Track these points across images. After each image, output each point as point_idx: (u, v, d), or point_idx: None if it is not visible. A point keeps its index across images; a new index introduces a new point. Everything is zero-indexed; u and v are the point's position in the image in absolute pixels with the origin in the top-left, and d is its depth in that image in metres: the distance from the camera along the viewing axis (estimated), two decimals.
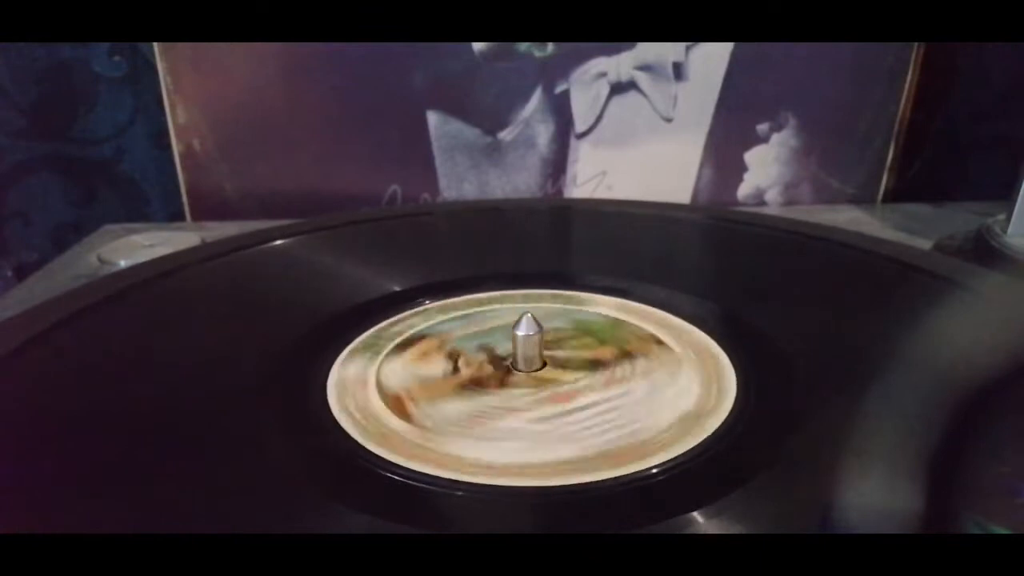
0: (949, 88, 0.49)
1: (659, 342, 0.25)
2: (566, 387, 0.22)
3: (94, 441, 0.19)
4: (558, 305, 0.28)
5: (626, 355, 0.24)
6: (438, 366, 0.24)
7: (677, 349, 0.24)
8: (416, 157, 0.47)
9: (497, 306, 0.28)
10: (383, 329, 0.27)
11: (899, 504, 0.16)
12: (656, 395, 0.22)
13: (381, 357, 0.25)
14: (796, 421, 0.20)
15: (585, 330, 0.26)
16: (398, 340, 0.26)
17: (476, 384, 0.23)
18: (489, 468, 0.19)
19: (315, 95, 0.45)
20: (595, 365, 0.23)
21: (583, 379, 0.22)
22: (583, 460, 0.19)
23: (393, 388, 0.23)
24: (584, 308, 0.28)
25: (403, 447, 0.20)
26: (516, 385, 0.22)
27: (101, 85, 0.47)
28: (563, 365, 0.23)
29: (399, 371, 0.24)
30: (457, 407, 0.21)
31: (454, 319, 0.27)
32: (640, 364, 0.23)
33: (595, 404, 0.21)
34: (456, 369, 0.24)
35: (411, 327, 0.27)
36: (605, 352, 0.24)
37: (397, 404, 0.22)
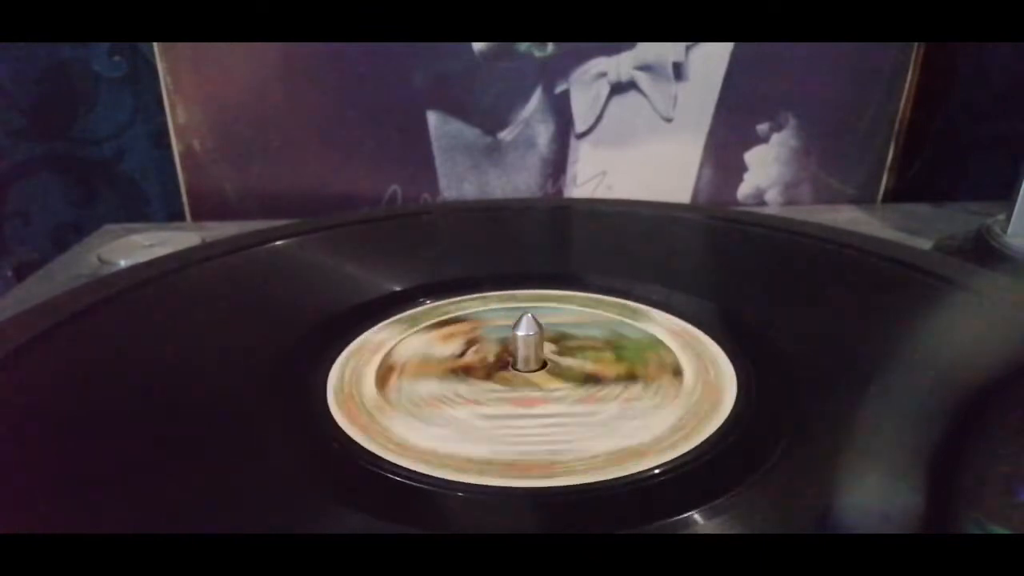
0: (949, 88, 0.49)
1: (677, 373, 0.23)
2: (538, 394, 0.22)
3: (94, 441, 0.19)
4: (610, 314, 0.27)
5: (630, 377, 0.23)
6: (451, 348, 0.25)
7: (688, 385, 0.23)
8: (416, 157, 0.47)
9: (555, 305, 0.28)
10: (436, 307, 0.28)
11: (899, 504, 0.16)
12: (616, 423, 0.21)
13: (413, 330, 0.26)
14: (796, 421, 0.20)
15: (614, 344, 0.25)
16: (440, 318, 0.27)
17: (465, 371, 0.23)
18: (401, 447, 0.19)
19: (315, 95, 0.45)
20: (589, 380, 0.23)
21: (563, 390, 0.22)
22: (486, 463, 0.19)
23: (396, 359, 0.24)
24: (633, 322, 0.27)
25: (355, 412, 0.21)
26: (498, 380, 0.23)
27: (101, 85, 0.47)
28: (559, 372, 0.23)
29: (416, 345, 0.25)
30: (430, 387, 0.22)
31: (504, 310, 0.27)
32: (635, 390, 0.22)
33: (550, 416, 0.21)
34: (462, 354, 0.24)
35: (461, 308, 0.28)
36: (611, 369, 0.23)
37: (386, 374, 0.23)
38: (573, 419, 0.21)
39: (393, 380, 0.23)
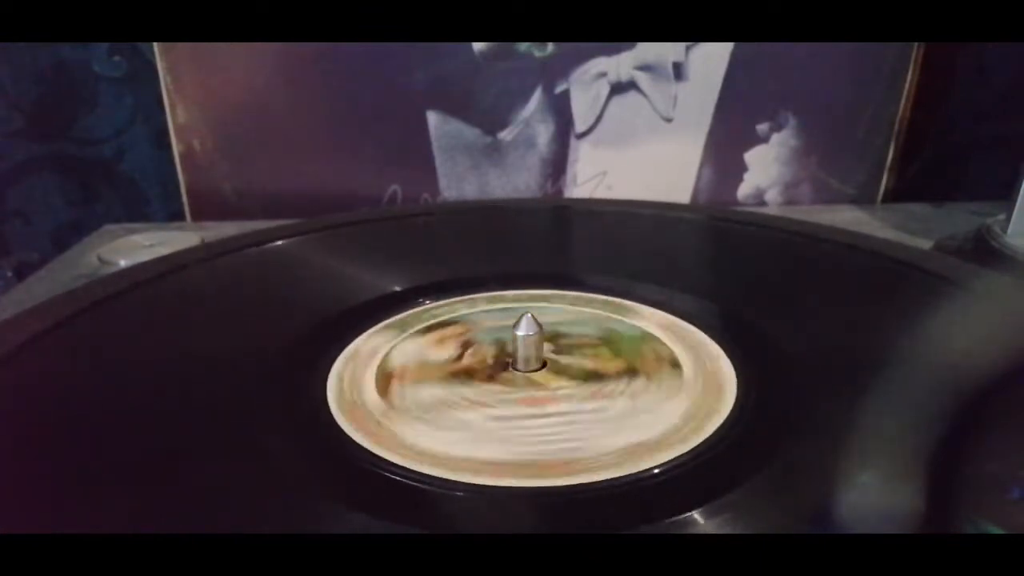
0: (949, 88, 0.49)
1: (675, 365, 0.23)
2: (544, 393, 0.22)
3: (94, 441, 0.19)
4: (599, 311, 0.27)
5: (630, 372, 0.23)
6: (446, 352, 0.24)
7: (689, 376, 0.23)
8: (416, 157, 0.47)
9: (544, 304, 0.28)
10: (423, 311, 0.28)
11: (899, 504, 0.16)
12: (627, 418, 0.21)
13: (404, 336, 0.26)
14: (796, 421, 0.20)
15: (607, 340, 0.25)
16: (429, 322, 0.27)
17: (466, 374, 0.23)
18: (415, 452, 0.19)
19: (315, 95, 0.45)
20: (591, 376, 0.23)
21: (568, 388, 0.22)
22: (505, 464, 0.19)
23: (392, 366, 0.24)
24: (623, 318, 0.27)
25: (363, 421, 0.21)
26: (501, 382, 0.23)
27: (101, 85, 0.47)
28: (561, 371, 0.23)
29: (410, 351, 0.25)
30: (434, 392, 0.22)
31: (495, 311, 0.27)
32: (638, 383, 0.22)
33: (562, 414, 0.21)
34: (459, 358, 0.24)
35: (450, 312, 0.27)
36: (611, 365, 0.23)
37: (385, 381, 0.23)
38: (584, 416, 0.21)
39: (394, 386, 0.23)
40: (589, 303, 0.28)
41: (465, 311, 0.28)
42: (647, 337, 0.25)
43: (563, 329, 0.26)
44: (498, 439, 0.20)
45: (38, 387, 0.22)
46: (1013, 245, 0.34)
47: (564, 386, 0.22)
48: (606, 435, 0.20)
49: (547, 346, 0.24)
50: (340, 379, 0.23)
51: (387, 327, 0.27)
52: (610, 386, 0.22)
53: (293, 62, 0.45)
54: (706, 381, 0.23)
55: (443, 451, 0.19)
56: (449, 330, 0.26)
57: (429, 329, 0.26)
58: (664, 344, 0.25)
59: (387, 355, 0.24)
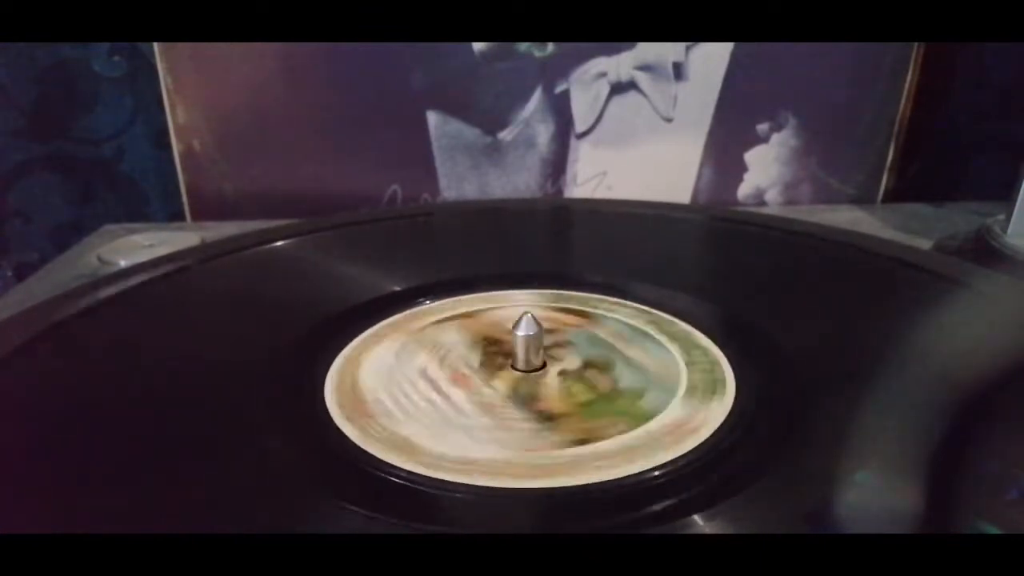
0: (949, 88, 0.49)
1: (580, 443, 0.20)
2: (477, 382, 0.23)
3: (93, 441, 0.19)
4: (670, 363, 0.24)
5: (548, 419, 0.21)
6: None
7: (568, 454, 0.19)
8: (416, 157, 0.47)
9: (672, 345, 0.25)
10: (598, 300, 0.29)
11: (899, 504, 0.16)
12: (457, 432, 0.20)
13: (536, 303, 0.28)
14: (796, 422, 0.20)
15: (610, 397, 0.22)
16: (577, 307, 0.28)
17: (487, 342, 0.24)
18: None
19: (315, 95, 0.45)
20: (527, 400, 0.22)
21: (495, 392, 0.22)
22: (358, 400, 0.21)
23: (484, 316, 0.26)
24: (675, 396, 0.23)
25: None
26: (486, 358, 0.24)
27: (101, 85, 0.47)
28: (529, 383, 0.23)
29: (516, 313, 0.24)
30: (448, 336, 0.24)
31: (635, 330, 0.26)
32: (528, 425, 0.20)
33: (449, 400, 0.22)
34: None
35: (608, 311, 0.28)
36: (554, 405, 0.21)
37: (455, 317, 0.26)
38: (447, 410, 0.21)
39: (452, 322, 0.25)
40: (701, 369, 0.24)
41: (600, 311, 0.28)
42: (640, 417, 0.21)
43: (618, 365, 0.24)
44: (389, 379, 0.22)
45: (38, 387, 0.22)
46: (1013, 245, 0.34)
47: (496, 391, 0.22)
48: (416, 425, 0.21)
49: (575, 364, 0.23)
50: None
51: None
52: (511, 412, 0.21)
53: (293, 62, 0.45)
54: (564, 463, 0.19)
55: (362, 361, 0.22)
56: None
57: (562, 311, 0.27)
58: (626, 428, 0.20)
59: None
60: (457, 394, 0.22)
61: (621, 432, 0.20)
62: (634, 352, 0.25)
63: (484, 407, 0.21)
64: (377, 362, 0.24)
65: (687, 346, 0.25)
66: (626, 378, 0.23)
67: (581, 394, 0.22)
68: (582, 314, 0.27)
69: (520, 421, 0.21)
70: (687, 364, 0.24)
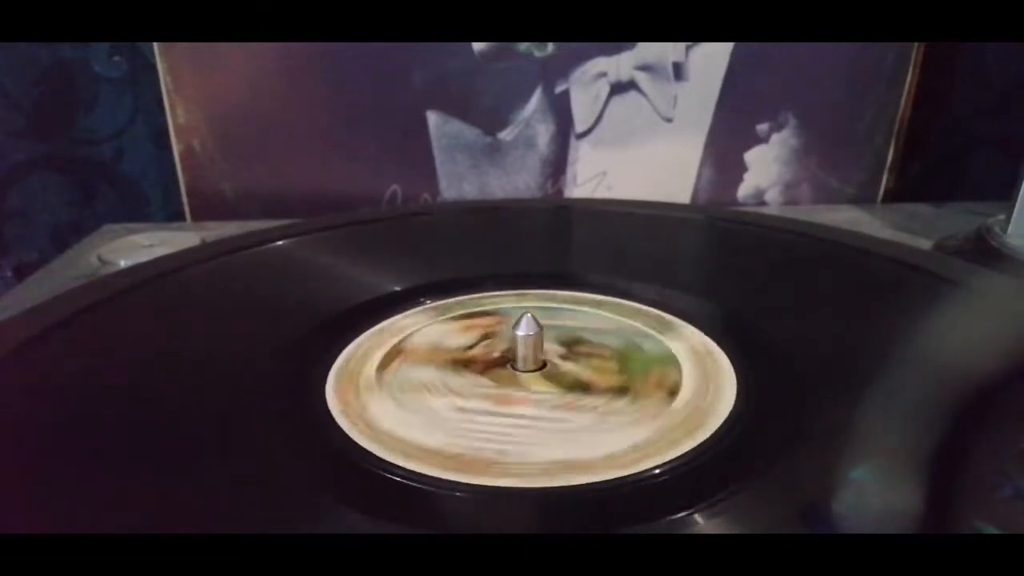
0: (949, 88, 0.49)
1: (672, 393, 0.22)
2: (522, 394, 0.22)
3: (94, 441, 0.19)
4: (638, 324, 0.26)
5: (620, 390, 0.22)
6: (465, 339, 0.25)
7: (678, 406, 0.21)
8: (416, 157, 0.47)
9: (588, 308, 0.27)
10: (473, 299, 0.28)
11: (899, 504, 0.16)
12: (579, 435, 0.20)
13: (438, 319, 0.27)
14: (795, 421, 0.20)
15: (623, 355, 0.24)
16: (471, 310, 0.27)
17: (464, 364, 0.24)
18: (368, 426, 0.21)
19: (315, 95, 0.45)
20: (578, 387, 0.22)
21: (548, 393, 0.22)
22: (433, 452, 0.19)
23: (409, 344, 0.25)
24: (661, 336, 0.25)
25: (347, 391, 0.22)
26: (492, 376, 0.23)
27: (101, 85, 0.47)
28: (554, 376, 0.23)
29: (433, 333, 0.26)
30: (423, 374, 0.23)
31: (539, 307, 0.27)
32: (619, 403, 0.21)
33: (521, 417, 0.21)
34: (472, 347, 0.25)
35: (494, 303, 0.28)
36: (606, 380, 0.23)
37: (392, 356, 0.24)
38: (544, 424, 0.21)
39: (395, 364, 0.24)
40: (635, 314, 0.27)
41: (509, 305, 0.28)
42: (666, 360, 0.24)
43: (587, 336, 0.25)
44: (446, 429, 0.20)
45: (38, 387, 0.22)
46: (1013, 245, 0.34)
47: (545, 391, 0.22)
48: (543, 447, 0.19)
49: (560, 349, 0.24)
50: (355, 350, 0.24)
51: (428, 309, 0.28)
52: (587, 400, 0.22)
53: (293, 62, 0.45)
54: (691, 415, 0.21)
55: (390, 429, 0.20)
56: (484, 319, 0.27)
57: (466, 316, 0.27)
58: (679, 369, 0.23)
59: (412, 334, 0.26)
60: (525, 410, 0.21)
61: (679, 372, 0.23)
62: (577, 322, 0.26)
63: (564, 408, 0.21)
64: (402, 422, 0.21)
65: (593, 304, 0.28)
66: (608, 340, 0.25)
67: (606, 365, 0.24)
68: (483, 314, 0.27)
69: (608, 403, 0.21)
70: (619, 315, 0.27)
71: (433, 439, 0.20)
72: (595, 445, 0.19)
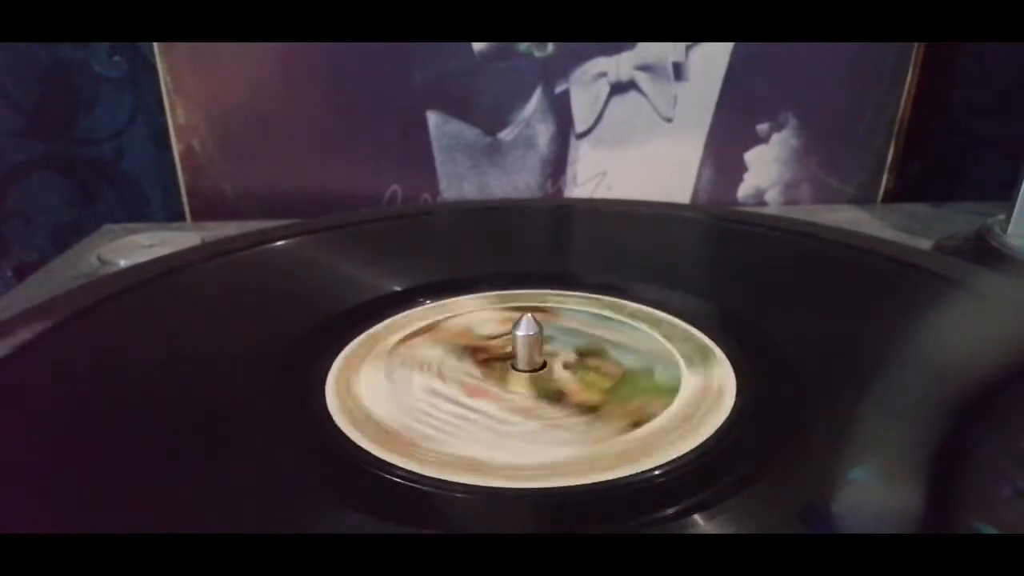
0: (949, 88, 0.49)
1: (635, 425, 0.20)
2: (496, 391, 0.22)
3: (94, 441, 0.19)
4: (672, 349, 0.25)
5: (590, 410, 0.21)
6: (495, 329, 0.26)
7: (630, 438, 0.20)
8: (416, 157, 0.47)
9: (643, 327, 0.26)
10: (536, 295, 0.29)
11: (899, 504, 0.16)
12: (506, 440, 0.20)
13: (490, 307, 0.28)
14: (795, 421, 0.20)
15: (627, 378, 0.23)
16: (532, 304, 0.28)
17: (472, 351, 0.25)
18: (349, 394, 0.22)
19: (315, 95, 0.45)
20: (552, 396, 0.22)
21: (517, 395, 0.22)
22: (374, 424, 0.20)
23: (448, 324, 0.26)
24: (683, 368, 0.23)
25: (350, 360, 0.24)
26: (487, 368, 0.23)
27: (101, 85, 0.47)
28: (538, 382, 0.23)
29: (475, 318, 0.27)
30: (430, 352, 0.24)
31: (596, 316, 0.27)
32: (575, 420, 0.20)
33: (475, 410, 0.21)
34: (495, 337, 0.25)
35: (558, 302, 0.28)
36: (584, 396, 0.22)
37: (424, 330, 0.26)
38: (485, 420, 0.21)
39: (419, 339, 0.25)
40: (685, 340, 0.25)
41: (569, 306, 0.28)
42: (665, 392, 0.22)
43: (607, 349, 0.24)
44: (402, 405, 0.21)
45: (38, 387, 0.22)
46: (1013, 245, 0.34)
47: (519, 393, 0.22)
48: (465, 441, 0.20)
49: (571, 357, 0.24)
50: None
51: (490, 296, 0.29)
52: (549, 410, 0.21)
53: (293, 62, 0.45)
54: (632, 449, 0.19)
55: (357, 394, 0.22)
56: (532, 314, 0.26)
57: (515, 308, 0.28)
58: (665, 406, 0.21)
59: (457, 315, 0.27)
60: (484, 405, 0.21)
61: (665, 407, 0.21)
62: (613, 335, 0.26)
63: (522, 411, 0.21)
64: (374, 391, 0.22)
65: (652, 322, 0.27)
66: (627, 359, 0.24)
67: (599, 382, 0.23)
68: (538, 309, 0.27)
69: (565, 418, 0.21)
70: (665, 338, 0.25)
71: (384, 411, 0.21)
72: (507, 452, 0.19)
